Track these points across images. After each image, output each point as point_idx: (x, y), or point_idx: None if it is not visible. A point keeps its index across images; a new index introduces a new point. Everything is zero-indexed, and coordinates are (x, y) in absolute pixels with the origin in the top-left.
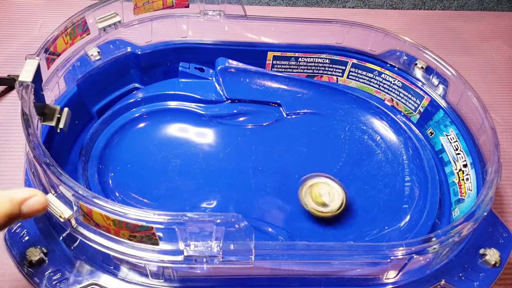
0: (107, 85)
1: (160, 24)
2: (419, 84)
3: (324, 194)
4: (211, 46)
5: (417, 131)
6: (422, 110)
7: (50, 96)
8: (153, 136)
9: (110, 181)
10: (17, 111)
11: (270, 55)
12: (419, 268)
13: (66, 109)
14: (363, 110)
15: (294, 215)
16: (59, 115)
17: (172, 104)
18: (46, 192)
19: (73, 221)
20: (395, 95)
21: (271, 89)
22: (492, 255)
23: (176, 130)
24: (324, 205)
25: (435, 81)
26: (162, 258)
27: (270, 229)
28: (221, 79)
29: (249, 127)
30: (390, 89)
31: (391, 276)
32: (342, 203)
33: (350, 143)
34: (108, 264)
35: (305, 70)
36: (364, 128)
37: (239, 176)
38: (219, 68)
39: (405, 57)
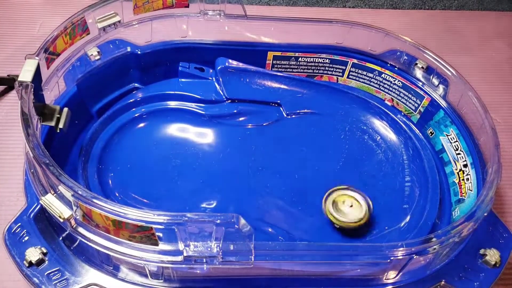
0: (107, 85)
1: (160, 24)
2: (420, 84)
3: (346, 204)
4: (211, 46)
5: (417, 131)
6: (422, 110)
7: (50, 96)
8: (153, 136)
9: (110, 181)
10: (16, 111)
11: (270, 55)
12: (419, 269)
13: (65, 109)
14: (363, 110)
15: (295, 215)
16: (58, 115)
17: (172, 104)
18: (45, 192)
19: (72, 221)
20: (396, 95)
21: (271, 89)
22: (492, 255)
23: (176, 130)
24: (344, 214)
25: (435, 81)
26: (162, 258)
27: (270, 230)
28: (221, 79)
29: (249, 127)
30: (391, 89)
31: (391, 276)
32: (363, 217)
33: (350, 143)
34: (107, 264)
35: (305, 70)
36: (364, 128)
37: (239, 176)
38: (219, 68)
39: (405, 57)
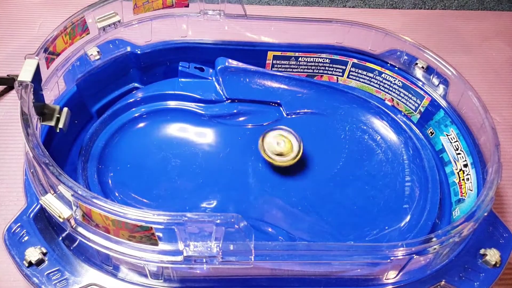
0: (107, 85)
1: (159, 23)
2: (420, 84)
3: (279, 144)
4: (211, 46)
5: (417, 131)
6: (422, 110)
7: (50, 95)
8: (153, 136)
9: (110, 181)
10: (16, 111)
11: (270, 54)
12: (419, 268)
13: (65, 109)
14: (363, 109)
15: (295, 215)
16: (58, 115)
17: (172, 104)
18: (45, 192)
19: (72, 221)
20: (396, 95)
21: (271, 89)
22: (492, 255)
23: (176, 130)
24: (280, 154)
25: (435, 81)
26: (162, 258)
27: (270, 229)
28: (221, 79)
29: (249, 127)
30: (391, 88)
31: (391, 276)
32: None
33: (350, 143)
34: (107, 264)
35: (305, 70)
36: (365, 128)
37: (239, 176)
38: (219, 67)
39: (405, 57)
